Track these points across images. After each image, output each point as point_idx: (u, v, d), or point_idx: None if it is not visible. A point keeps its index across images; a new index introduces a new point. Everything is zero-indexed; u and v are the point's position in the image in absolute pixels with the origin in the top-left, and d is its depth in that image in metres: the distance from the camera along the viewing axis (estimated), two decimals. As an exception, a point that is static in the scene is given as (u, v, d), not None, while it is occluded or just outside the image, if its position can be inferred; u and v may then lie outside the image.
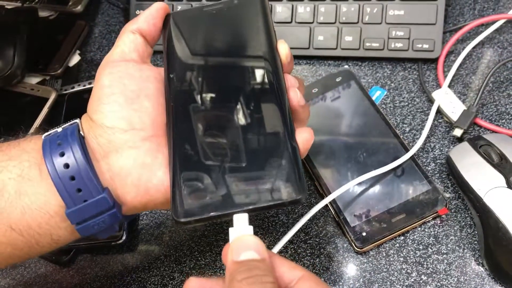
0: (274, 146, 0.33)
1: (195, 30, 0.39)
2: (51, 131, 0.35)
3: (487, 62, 0.52)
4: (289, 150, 0.32)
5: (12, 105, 0.57)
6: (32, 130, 0.54)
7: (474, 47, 0.52)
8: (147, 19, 0.39)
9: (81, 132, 0.34)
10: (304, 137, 0.34)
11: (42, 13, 0.63)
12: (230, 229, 0.30)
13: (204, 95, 0.36)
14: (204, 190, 0.32)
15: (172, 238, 0.48)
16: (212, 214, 0.31)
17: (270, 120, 0.34)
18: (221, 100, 0.35)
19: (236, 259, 0.29)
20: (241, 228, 0.30)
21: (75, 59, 0.62)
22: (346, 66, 0.55)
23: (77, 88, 0.59)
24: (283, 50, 0.37)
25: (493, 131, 0.48)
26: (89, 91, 0.57)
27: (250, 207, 0.31)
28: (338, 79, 0.52)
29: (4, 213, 0.33)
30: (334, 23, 0.54)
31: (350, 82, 0.52)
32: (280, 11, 0.55)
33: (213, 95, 0.36)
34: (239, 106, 0.35)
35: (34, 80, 0.60)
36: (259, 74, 0.36)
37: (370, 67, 0.54)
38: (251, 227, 0.30)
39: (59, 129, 0.35)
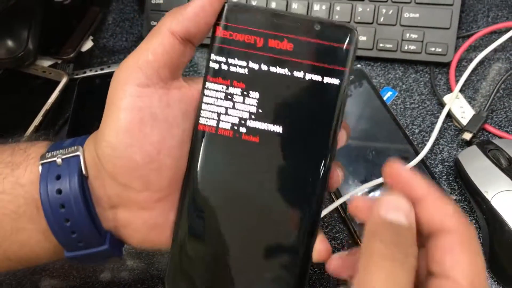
0: (289, 251, 0.30)
1: (254, 43, 0.29)
2: (50, 158, 0.30)
3: (498, 69, 0.52)
4: (300, 259, 0.30)
5: (24, 87, 0.57)
6: (42, 112, 0.54)
7: (486, 54, 0.52)
8: (197, 15, 0.28)
9: (84, 172, 0.30)
10: (320, 248, 0.30)
11: (57, -3, 0.64)
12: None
13: (231, 153, 0.30)
14: (201, 272, 0.30)
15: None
16: None
17: (295, 217, 0.30)
18: (251, 172, 0.30)
19: (384, 215, 0.25)
20: None
21: (88, 44, 0.62)
22: (359, 66, 0.55)
23: (88, 73, 0.59)
24: (343, 136, 0.30)
25: (502, 137, 0.48)
26: (100, 76, 0.58)
27: None
28: (350, 78, 0.52)
29: (1, 249, 0.31)
30: (349, 22, 0.54)
31: (362, 82, 0.52)
32: (296, 8, 0.55)
33: (244, 161, 0.30)
34: (268, 188, 0.29)
35: (46, 63, 0.60)
36: (304, 153, 0.29)
37: (382, 67, 0.54)
38: None
39: (59, 160, 0.30)
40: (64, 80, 0.57)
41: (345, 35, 0.28)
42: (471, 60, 0.52)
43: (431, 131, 0.49)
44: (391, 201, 0.26)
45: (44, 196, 0.29)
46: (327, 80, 0.28)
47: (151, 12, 0.59)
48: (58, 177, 0.30)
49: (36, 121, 0.54)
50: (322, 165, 0.29)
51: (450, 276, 0.24)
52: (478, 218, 0.44)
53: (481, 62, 0.53)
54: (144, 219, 0.30)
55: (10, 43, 0.55)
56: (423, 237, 0.26)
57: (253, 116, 0.29)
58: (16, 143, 0.33)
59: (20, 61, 0.56)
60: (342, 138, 0.31)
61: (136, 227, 0.31)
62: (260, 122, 0.29)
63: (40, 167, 0.30)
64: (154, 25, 0.60)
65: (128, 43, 0.62)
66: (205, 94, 0.29)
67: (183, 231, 0.30)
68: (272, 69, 0.29)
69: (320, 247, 0.30)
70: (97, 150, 0.29)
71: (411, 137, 0.49)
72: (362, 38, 0.54)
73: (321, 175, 0.29)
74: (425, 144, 0.49)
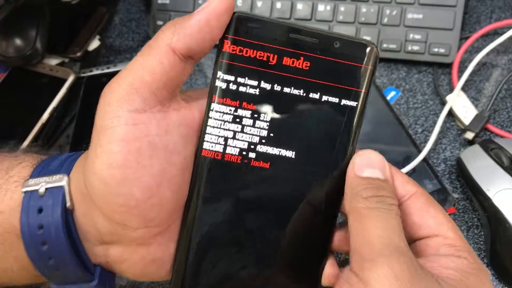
0: (298, 277, 0.29)
1: (267, 60, 0.26)
2: (32, 186, 0.28)
3: (501, 70, 0.53)
4: (309, 284, 0.29)
5: (31, 84, 0.58)
6: (49, 109, 0.55)
7: (488, 54, 0.52)
8: (202, 31, 0.25)
9: (68, 205, 0.27)
10: (329, 272, 0.29)
11: (65, -3, 0.65)
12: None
13: (239, 180, 0.27)
14: None
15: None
16: None
17: (304, 245, 0.28)
18: (260, 199, 0.28)
19: (359, 174, 0.27)
20: None
21: (95, 43, 0.63)
22: (362, 66, 0.55)
23: (95, 72, 0.60)
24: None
25: (504, 137, 0.48)
26: (106, 75, 0.59)
27: None
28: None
29: None
30: (353, 22, 0.55)
31: (365, 81, 0.52)
32: (301, 8, 0.56)
33: (252, 188, 0.28)
34: (278, 216, 0.28)
35: (53, 61, 0.61)
36: (318, 179, 0.28)
37: (386, 68, 0.55)
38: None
39: (41, 190, 0.27)
40: (71, 79, 0.57)
41: (365, 54, 0.27)
42: (473, 60, 0.52)
43: (434, 130, 0.50)
44: (363, 159, 0.27)
45: (24, 231, 0.27)
46: (344, 102, 0.27)
47: (158, 12, 0.60)
48: (40, 210, 0.27)
49: (43, 119, 0.54)
50: (335, 192, 0.28)
51: (439, 233, 0.27)
52: (480, 216, 0.44)
53: (483, 63, 0.53)
54: (141, 255, 0.28)
55: (18, 41, 0.56)
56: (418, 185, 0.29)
57: (263, 141, 0.27)
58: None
59: (28, 59, 0.57)
60: None
61: (132, 263, 0.28)
62: (271, 147, 0.27)
63: (22, 195, 0.28)
64: (161, 25, 0.61)
65: (134, 42, 0.63)
66: (210, 116, 0.27)
67: (185, 264, 0.28)
68: (286, 89, 0.27)
69: (329, 271, 0.29)
70: (86, 183, 0.26)
71: (414, 137, 0.49)
72: (366, 38, 0.54)
73: (334, 201, 0.28)
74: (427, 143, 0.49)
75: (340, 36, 0.27)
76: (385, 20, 0.54)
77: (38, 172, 0.29)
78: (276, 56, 0.26)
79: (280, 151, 0.27)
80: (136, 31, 0.64)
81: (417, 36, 0.53)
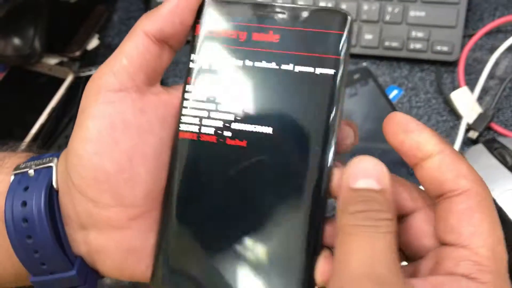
0: (284, 270, 0.26)
1: (237, 38, 0.27)
2: (23, 169, 0.28)
3: (505, 68, 0.52)
4: (299, 281, 0.25)
5: (30, 84, 0.58)
6: (48, 109, 0.54)
7: (492, 52, 0.52)
8: (172, 14, 0.27)
9: (54, 185, 0.28)
10: (324, 269, 0.25)
11: (64, -4, 0.64)
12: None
13: (215, 160, 0.27)
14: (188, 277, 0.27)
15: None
16: None
17: (291, 229, 0.26)
18: (239, 179, 0.26)
19: (351, 185, 0.23)
20: None
21: (94, 43, 0.62)
22: (364, 64, 0.55)
23: (94, 71, 0.59)
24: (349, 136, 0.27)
25: (508, 136, 0.48)
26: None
27: None
28: (356, 76, 0.52)
29: None
30: (355, 21, 0.54)
31: (367, 80, 0.52)
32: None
33: (230, 169, 0.26)
34: (259, 197, 0.26)
35: (52, 61, 0.60)
36: (299, 154, 0.26)
37: (388, 66, 0.54)
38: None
39: (31, 171, 0.28)
40: (69, 78, 0.57)
41: (337, 20, 0.25)
42: (477, 59, 0.52)
43: (437, 129, 0.49)
44: (357, 167, 0.24)
45: (8, 207, 0.27)
46: (320, 71, 0.25)
47: (157, 10, 0.60)
48: (26, 189, 0.27)
49: (42, 119, 0.54)
50: (322, 168, 0.25)
51: (468, 245, 0.22)
52: (484, 217, 0.44)
53: (487, 61, 0.52)
54: (117, 241, 0.27)
55: (16, 41, 0.56)
56: (430, 199, 0.25)
57: (238, 118, 0.26)
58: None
59: (27, 59, 0.56)
60: (350, 138, 0.28)
61: (110, 251, 0.27)
62: (247, 124, 0.26)
63: (12, 177, 0.28)
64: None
65: (133, 41, 0.62)
66: (186, 98, 0.27)
67: (167, 252, 0.27)
68: (258, 64, 0.26)
69: (324, 267, 0.25)
70: (67, 163, 0.27)
71: (416, 136, 0.49)
72: (368, 36, 0.54)
73: (322, 179, 0.25)
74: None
75: (308, 6, 0.26)
76: (387, 18, 0.53)
77: (32, 160, 0.29)
78: (245, 33, 0.27)
79: (255, 127, 0.26)
80: (136, 29, 0.63)
81: (420, 34, 0.53)
